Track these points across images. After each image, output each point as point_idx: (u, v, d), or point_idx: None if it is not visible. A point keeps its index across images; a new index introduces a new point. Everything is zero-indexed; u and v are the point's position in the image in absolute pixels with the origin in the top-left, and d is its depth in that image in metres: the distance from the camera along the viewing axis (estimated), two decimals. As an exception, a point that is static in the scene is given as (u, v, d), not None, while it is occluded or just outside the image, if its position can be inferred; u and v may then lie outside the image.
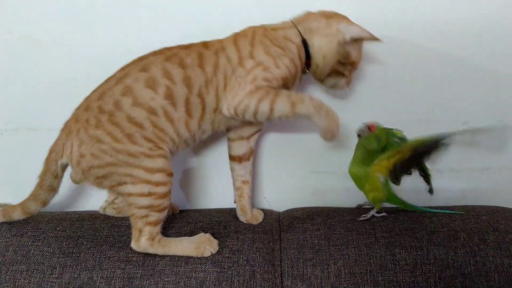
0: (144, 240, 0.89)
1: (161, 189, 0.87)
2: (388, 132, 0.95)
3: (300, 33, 0.93)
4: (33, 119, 1.09)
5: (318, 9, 0.96)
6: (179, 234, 0.98)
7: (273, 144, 1.12)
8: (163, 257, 0.91)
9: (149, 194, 0.87)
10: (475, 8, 1.02)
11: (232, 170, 1.06)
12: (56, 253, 0.92)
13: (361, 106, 1.09)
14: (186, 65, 0.88)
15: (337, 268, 0.90)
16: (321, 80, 0.99)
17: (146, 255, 0.92)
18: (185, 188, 1.16)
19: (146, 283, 0.87)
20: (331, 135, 0.91)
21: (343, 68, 0.94)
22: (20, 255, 0.92)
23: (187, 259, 0.91)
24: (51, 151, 0.92)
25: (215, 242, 0.93)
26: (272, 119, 0.89)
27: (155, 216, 0.89)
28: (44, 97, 1.06)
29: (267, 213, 1.09)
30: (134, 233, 0.90)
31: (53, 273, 0.89)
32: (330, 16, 0.93)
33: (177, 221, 1.04)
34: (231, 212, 1.07)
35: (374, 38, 0.91)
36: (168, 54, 0.90)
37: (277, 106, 0.87)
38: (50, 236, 0.96)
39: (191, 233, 0.97)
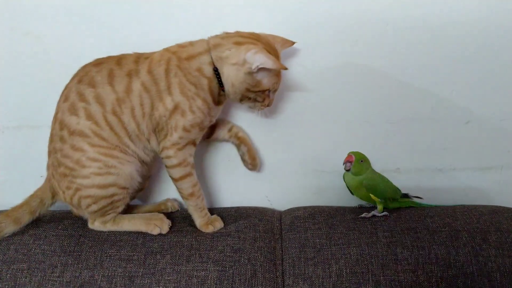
0: (98, 223, 0.98)
1: (116, 198, 0.95)
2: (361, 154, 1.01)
3: (213, 60, 0.92)
4: (34, 117, 1.09)
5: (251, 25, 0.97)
6: (180, 232, 0.98)
7: (275, 143, 1.12)
8: (164, 255, 0.92)
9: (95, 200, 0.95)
10: (478, 7, 1.02)
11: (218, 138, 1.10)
12: (57, 251, 0.93)
13: (364, 105, 1.09)
14: (96, 83, 0.91)
15: (339, 267, 0.90)
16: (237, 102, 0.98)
17: (147, 254, 0.92)
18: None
19: (147, 281, 0.87)
20: (205, 230, 1.00)
21: (254, 95, 0.94)
22: (21, 254, 0.92)
23: (189, 258, 0.91)
24: (38, 190, 1.00)
25: (166, 222, 0.98)
26: (173, 181, 0.99)
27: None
28: (46, 95, 1.05)
29: (268, 212, 1.09)
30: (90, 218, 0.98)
31: (54, 271, 0.89)
32: (241, 43, 0.90)
33: (178, 220, 1.04)
34: (232, 211, 1.07)
35: (281, 68, 0.89)
36: (81, 75, 0.93)
37: (184, 182, 0.98)
38: (51, 235, 0.96)
39: (192, 231, 0.98)
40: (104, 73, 0.91)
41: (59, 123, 0.93)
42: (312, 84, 1.08)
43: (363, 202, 1.07)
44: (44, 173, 1.00)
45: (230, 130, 1.08)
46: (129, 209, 1.04)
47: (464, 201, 1.13)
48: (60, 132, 0.93)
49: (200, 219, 1.00)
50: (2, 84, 1.08)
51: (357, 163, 0.99)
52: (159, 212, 1.06)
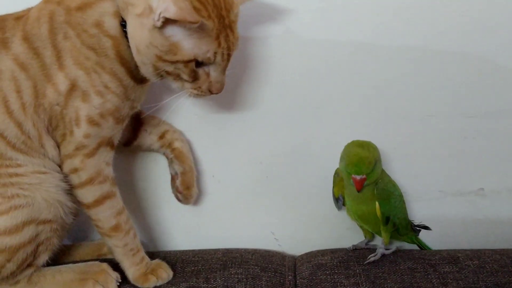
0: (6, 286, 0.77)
1: (38, 241, 0.76)
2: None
3: (119, 8, 0.69)
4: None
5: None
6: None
7: (286, 155, 0.92)
8: None
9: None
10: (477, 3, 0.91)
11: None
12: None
13: (362, 104, 0.94)
14: None
15: None
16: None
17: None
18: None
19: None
20: (143, 284, 0.78)
21: (173, 68, 0.68)
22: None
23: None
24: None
25: (112, 276, 0.77)
26: (85, 210, 0.75)
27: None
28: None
29: (276, 257, 0.89)
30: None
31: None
32: None
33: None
34: (219, 255, 0.87)
35: (193, 21, 0.62)
36: None
37: (101, 210, 0.75)
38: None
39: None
40: None
41: None
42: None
43: (356, 243, 0.89)
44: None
45: (162, 136, 0.85)
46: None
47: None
48: None
49: (133, 268, 0.78)
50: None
51: (371, 171, 0.78)
52: (100, 257, 0.88)
